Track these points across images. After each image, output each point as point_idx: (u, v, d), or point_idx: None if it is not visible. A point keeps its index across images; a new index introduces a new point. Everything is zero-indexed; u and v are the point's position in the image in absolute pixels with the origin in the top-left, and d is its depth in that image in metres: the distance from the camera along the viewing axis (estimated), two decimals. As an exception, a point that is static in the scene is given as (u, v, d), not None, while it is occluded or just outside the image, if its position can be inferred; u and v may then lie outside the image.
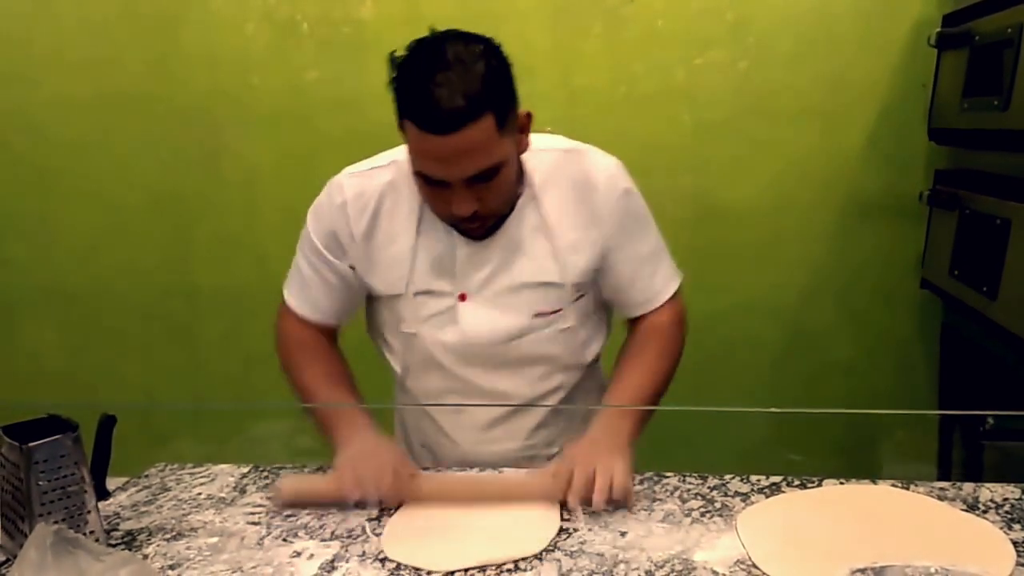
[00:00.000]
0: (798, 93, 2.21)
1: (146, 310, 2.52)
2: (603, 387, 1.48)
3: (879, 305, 2.29)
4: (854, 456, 2.28)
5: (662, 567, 1.03)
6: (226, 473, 1.37)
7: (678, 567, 1.03)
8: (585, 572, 1.02)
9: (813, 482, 1.26)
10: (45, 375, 2.59)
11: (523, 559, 1.06)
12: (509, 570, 1.04)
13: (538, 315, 1.36)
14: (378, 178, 1.37)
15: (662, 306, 1.43)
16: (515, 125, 1.24)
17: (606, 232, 1.35)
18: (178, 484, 1.33)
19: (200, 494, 1.29)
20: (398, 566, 1.06)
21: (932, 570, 0.97)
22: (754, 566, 1.02)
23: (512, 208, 1.33)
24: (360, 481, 1.21)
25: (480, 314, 1.35)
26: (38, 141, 2.46)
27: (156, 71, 2.37)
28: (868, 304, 2.29)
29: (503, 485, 1.28)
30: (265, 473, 1.37)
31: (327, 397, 1.39)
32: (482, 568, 1.04)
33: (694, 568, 1.02)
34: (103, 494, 1.25)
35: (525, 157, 1.33)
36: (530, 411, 1.44)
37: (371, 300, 1.44)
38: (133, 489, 1.31)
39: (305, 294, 1.45)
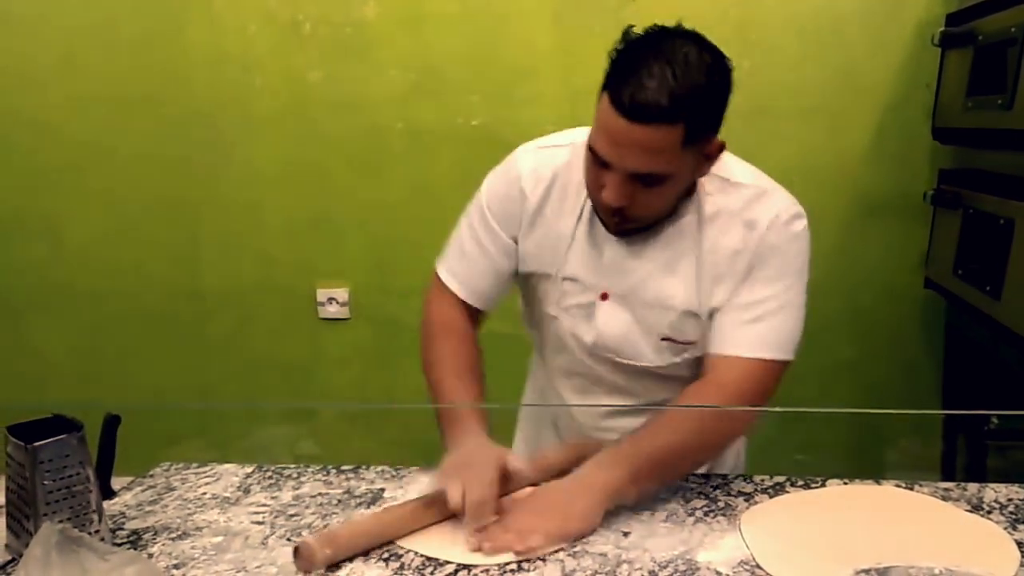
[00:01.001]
0: (801, 92, 2.21)
1: (152, 310, 2.53)
2: None
3: (883, 304, 2.29)
4: (858, 456, 2.28)
5: (665, 567, 1.03)
6: (231, 473, 1.37)
7: (681, 567, 1.03)
8: (588, 572, 1.03)
9: (817, 482, 1.26)
10: (51, 374, 2.60)
11: (527, 560, 1.06)
12: (512, 570, 1.04)
13: (666, 339, 1.30)
14: (555, 157, 1.34)
15: (736, 361, 1.24)
16: (703, 147, 1.19)
17: (750, 263, 1.25)
18: (183, 484, 1.33)
19: (205, 494, 1.29)
20: (402, 565, 1.06)
21: (936, 571, 0.97)
22: (757, 566, 1.02)
23: (671, 217, 1.27)
24: (465, 484, 1.13)
25: (616, 319, 1.31)
26: (45, 142, 2.47)
27: (160, 73, 2.38)
28: (872, 303, 2.29)
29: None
30: (269, 473, 1.37)
31: (452, 392, 1.34)
32: (486, 569, 1.05)
33: (697, 568, 1.02)
34: (108, 493, 1.25)
35: (707, 180, 1.27)
36: (647, 412, 1.34)
37: (526, 276, 1.41)
38: (138, 488, 1.32)
39: (462, 269, 1.41)
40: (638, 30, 1.21)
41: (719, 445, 1.33)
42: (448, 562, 1.06)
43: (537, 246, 1.35)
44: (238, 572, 1.06)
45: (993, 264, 1.71)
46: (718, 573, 1.02)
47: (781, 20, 2.17)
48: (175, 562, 1.08)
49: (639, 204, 1.20)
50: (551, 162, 1.34)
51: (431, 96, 2.31)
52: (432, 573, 1.04)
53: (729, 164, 1.29)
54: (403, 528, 1.13)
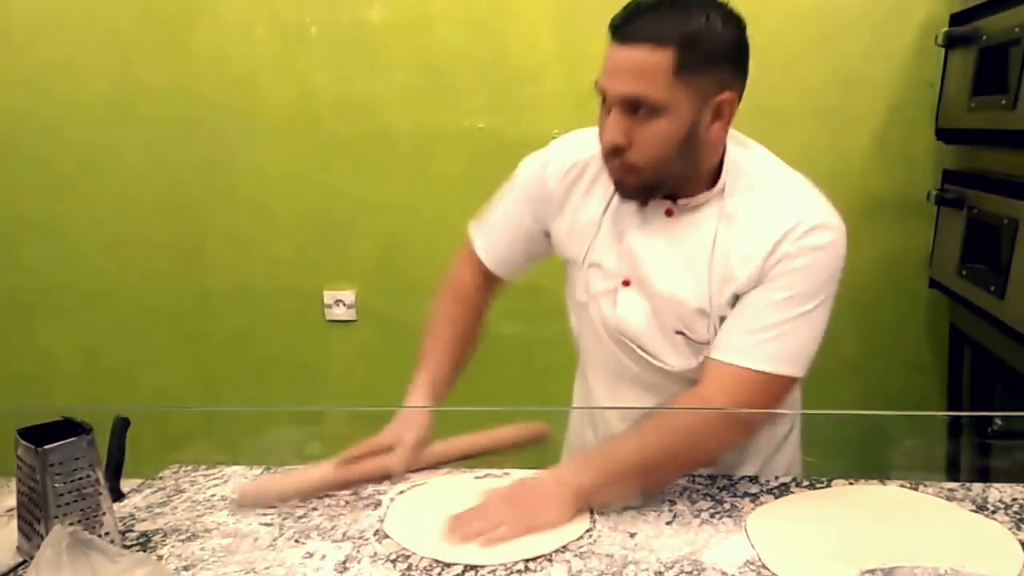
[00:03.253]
0: (804, 92, 2.21)
1: (159, 312, 2.54)
2: None
3: (887, 304, 2.29)
4: (863, 456, 2.28)
5: (671, 568, 1.03)
6: (239, 475, 1.38)
7: (687, 568, 1.03)
8: (595, 573, 1.03)
9: (822, 482, 1.26)
10: (59, 375, 2.62)
11: (533, 559, 1.07)
12: (519, 571, 1.05)
13: (680, 334, 1.29)
14: (584, 148, 1.35)
15: (732, 369, 1.21)
16: (705, 89, 1.17)
17: (762, 271, 1.21)
18: (192, 486, 1.34)
19: (214, 495, 1.30)
20: (409, 567, 1.06)
21: (941, 571, 0.98)
22: (764, 567, 1.03)
23: (689, 199, 1.26)
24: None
25: (636, 306, 1.31)
26: (51, 145, 2.49)
27: (167, 75, 2.40)
28: (876, 302, 2.29)
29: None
30: (277, 475, 1.38)
31: (429, 352, 1.46)
32: (492, 570, 1.05)
33: (704, 569, 1.03)
34: (118, 496, 1.26)
35: (735, 178, 1.25)
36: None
37: (564, 262, 1.44)
38: (147, 491, 1.33)
39: (487, 233, 1.48)
40: (604, 26, 1.22)
41: (707, 451, 1.27)
42: (455, 564, 1.07)
43: (567, 233, 1.38)
44: (247, 573, 1.06)
45: (997, 264, 1.71)
46: (724, 574, 1.02)
47: (784, 20, 2.18)
48: (184, 564, 1.09)
49: (637, 144, 1.18)
50: (578, 153, 1.36)
51: (437, 98, 2.32)
52: (439, 574, 1.05)
53: (762, 162, 1.29)
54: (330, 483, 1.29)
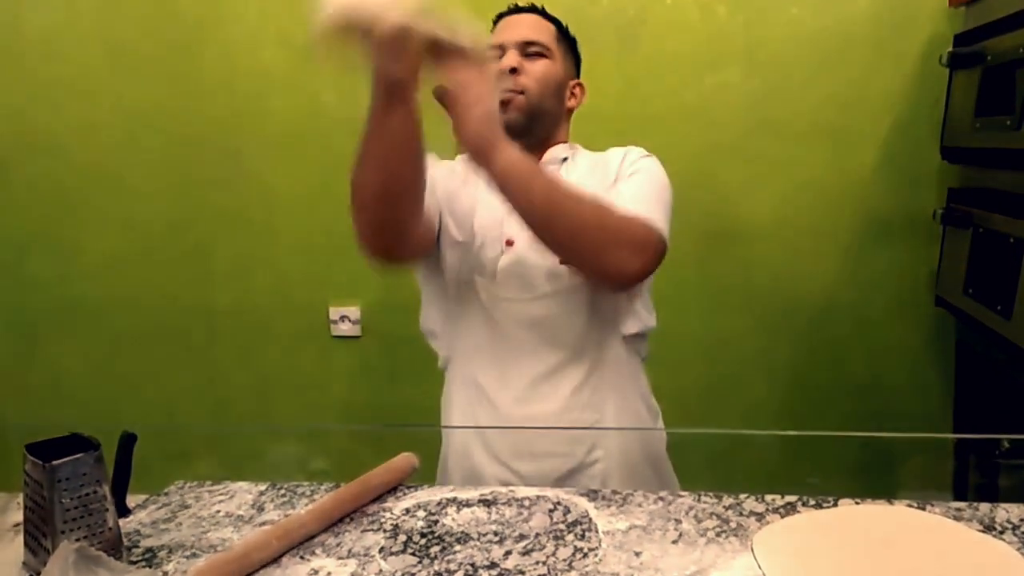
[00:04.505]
0: (810, 112, 2.22)
1: (166, 328, 2.55)
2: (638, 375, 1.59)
3: (894, 322, 2.29)
4: (870, 475, 2.27)
5: (678, 587, 1.03)
6: (244, 491, 1.38)
7: (693, 587, 1.03)
8: (601, 591, 1.03)
9: (829, 502, 1.26)
10: (66, 391, 2.63)
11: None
12: (525, 589, 1.04)
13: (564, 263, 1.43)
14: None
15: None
16: (569, 63, 1.60)
17: (619, 173, 1.50)
18: (197, 502, 1.34)
19: (219, 512, 1.30)
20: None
21: (948, 591, 0.97)
22: (769, 586, 1.03)
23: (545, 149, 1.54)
24: None
25: (522, 258, 1.47)
26: (60, 163, 2.51)
27: (177, 95, 2.42)
28: (883, 321, 2.29)
29: None
30: (283, 491, 1.38)
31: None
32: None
33: (709, 588, 1.03)
34: (124, 511, 1.26)
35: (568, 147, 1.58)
36: (570, 373, 1.49)
37: (429, 283, 1.56)
38: (153, 507, 1.33)
39: None
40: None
41: (601, 221, 1.34)
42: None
43: (455, 222, 1.51)
44: (252, 590, 1.06)
45: (1004, 284, 1.71)
46: (730, 593, 1.02)
47: (787, 41, 2.19)
48: (190, 580, 1.09)
49: (530, 73, 1.49)
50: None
51: (442, 118, 2.33)
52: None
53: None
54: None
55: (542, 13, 1.58)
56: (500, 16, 1.60)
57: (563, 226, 1.30)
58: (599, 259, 1.35)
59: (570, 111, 1.60)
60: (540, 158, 1.53)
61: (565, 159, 1.56)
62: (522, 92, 1.48)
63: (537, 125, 1.52)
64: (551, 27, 1.56)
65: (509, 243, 1.48)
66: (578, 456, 1.51)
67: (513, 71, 1.48)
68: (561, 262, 1.43)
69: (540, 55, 1.52)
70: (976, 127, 1.86)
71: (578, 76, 1.63)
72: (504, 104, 1.44)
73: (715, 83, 2.23)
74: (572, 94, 1.59)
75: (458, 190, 1.53)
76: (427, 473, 1.50)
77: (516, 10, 1.59)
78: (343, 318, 2.47)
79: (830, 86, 2.20)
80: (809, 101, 2.21)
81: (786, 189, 2.25)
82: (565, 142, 1.60)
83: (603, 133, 2.23)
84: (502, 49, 1.51)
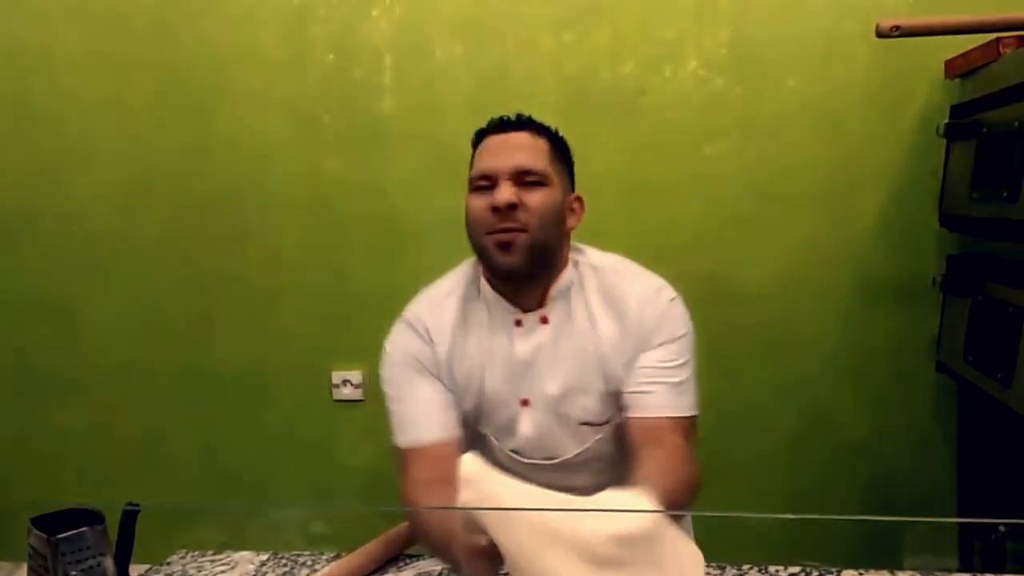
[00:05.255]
0: (808, 178, 2.24)
1: (169, 390, 2.55)
2: None
3: (895, 388, 2.28)
4: (873, 545, 2.25)
5: (682, 663, 1.02)
6: (246, 560, 1.38)
7: (698, 664, 1.02)
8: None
9: (832, 572, 1.25)
10: (69, 454, 2.62)
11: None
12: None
13: (585, 424, 1.38)
14: (449, 302, 1.45)
15: (658, 424, 1.33)
16: (565, 179, 1.41)
17: (641, 334, 1.37)
18: (199, 572, 1.34)
19: (220, 583, 1.30)
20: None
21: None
22: (774, 663, 1.02)
23: (555, 284, 1.40)
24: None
25: (538, 423, 1.39)
26: (65, 227, 2.53)
27: (184, 160, 2.45)
28: (884, 386, 2.29)
29: None
30: (284, 560, 1.38)
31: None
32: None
33: (714, 665, 1.02)
34: (126, 583, 1.26)
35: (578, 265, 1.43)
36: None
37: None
38: (154, 577, 1.32)
39: (416, 424, 1.41)
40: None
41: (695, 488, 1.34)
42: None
43: (463, 377, 1.41)
44: (254, 666, 1.05)
45: (1003, 351, 1.71)
46: (735, 670, 1.01)
47: (785, 110, 2.22)
48: (191, 655, 1.08)
49: (529, 207, 1.32)
50: (448, 308, 1.44)
51: (446, 183, 2.34)
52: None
53: (590, 251, 1.47)
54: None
55: (533, 127, 1.40)
56: (484, 132, 1.41)
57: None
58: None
59: (570, 230, 1.43)
60: (546, 292, 1.40)
61: (571, 287, 1.42)
62: (524, 229, 1.32)
63: (542, 262, 1.37)
64: (545, 145, 1.38)
65: (524, 403, 1.40)
66: None
67: (512, 207, 1.32)
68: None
69: (538, 183, 1.34)
70: (974, 197, 1.87)
71: (573, 187, 1.45)
72: (505, 246, 1.32)
73: (714, 152, 2.26)
74: (571, 210, 1.42)
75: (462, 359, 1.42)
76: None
77: (505, 126, 1.40)
78: (345, 382, 2.47)
79: (827, 152, 2.22)
80: (806, 167, 2.23)
81: (785, 254, 2.27)
82: (567, 263, 1.43)
83: (605, 202, 2.26)
84: (492, 179, 1.34)
